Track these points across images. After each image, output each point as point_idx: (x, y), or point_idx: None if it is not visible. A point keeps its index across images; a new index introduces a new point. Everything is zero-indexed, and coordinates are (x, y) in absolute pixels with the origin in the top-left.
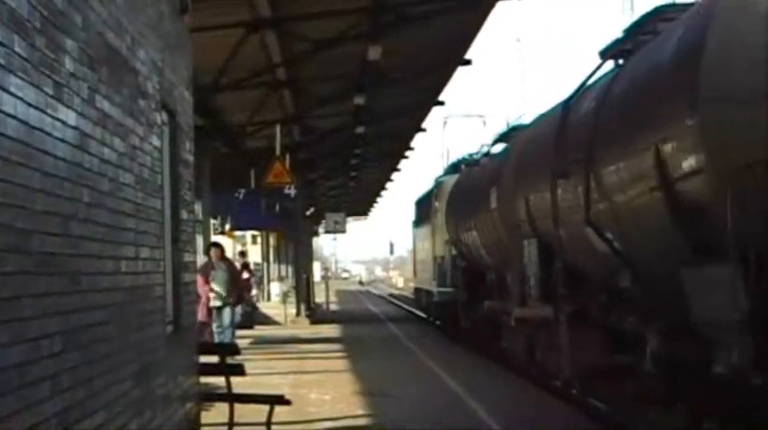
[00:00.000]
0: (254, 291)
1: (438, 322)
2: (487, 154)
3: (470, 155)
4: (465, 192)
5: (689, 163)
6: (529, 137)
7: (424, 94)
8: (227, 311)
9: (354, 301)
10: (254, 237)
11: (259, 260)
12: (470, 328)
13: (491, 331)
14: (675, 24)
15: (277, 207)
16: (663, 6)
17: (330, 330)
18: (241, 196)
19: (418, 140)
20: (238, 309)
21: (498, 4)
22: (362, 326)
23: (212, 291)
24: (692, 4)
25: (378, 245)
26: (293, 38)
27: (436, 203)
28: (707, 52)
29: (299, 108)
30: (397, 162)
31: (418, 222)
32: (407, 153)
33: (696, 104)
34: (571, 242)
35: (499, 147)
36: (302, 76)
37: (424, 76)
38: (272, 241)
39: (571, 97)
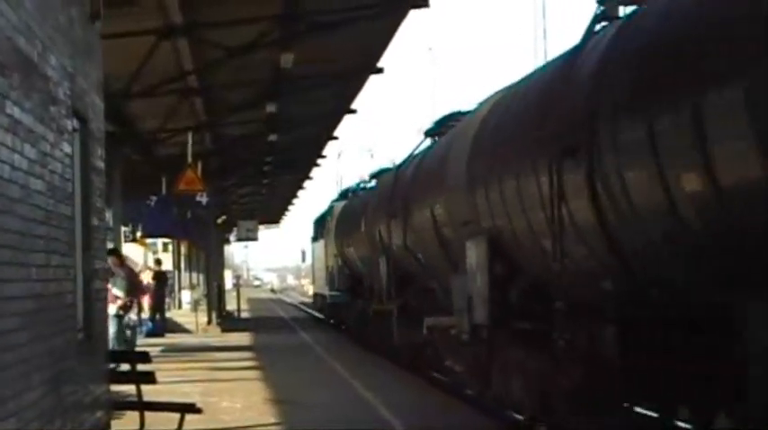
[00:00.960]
0: (167, 300)
1: (332, 321)
2: (365, 188)
3: (357, 184)
4: (348, 216)
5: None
6: (382, 182)
7: (336, 101)
8: (124, 321)
9: (266, 309)
10: (165, 244)
11: (170, 268)
12: (353, 323)
13: (365, 325)
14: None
15: (189, 214)
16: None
17: (241, 338)
18: (153, 203)
19: (331, 149)
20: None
21: (411, 13)
22: (274, 333)
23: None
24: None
25: (290, 252)
26: (205, 45)
27: (329, 223)
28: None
29: (211, 115)
30: (309, 170)
31: (316, 238)
32: (319, 161)
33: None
34: (401, 258)
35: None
36: (214, 84)
37: (336, 84)
38: (183, 249)
39: (401, 164)
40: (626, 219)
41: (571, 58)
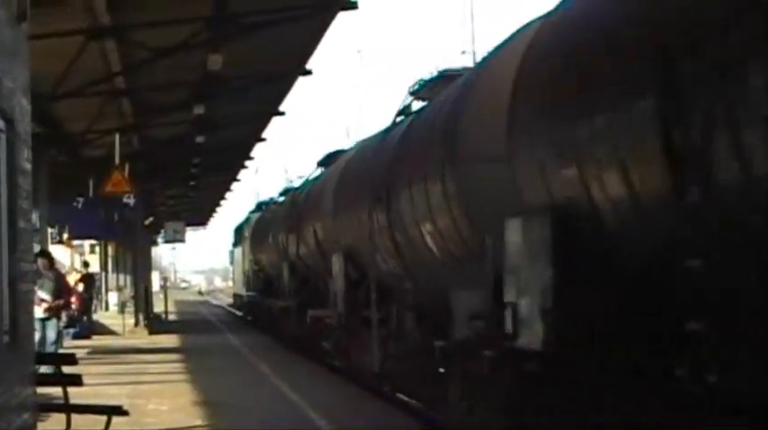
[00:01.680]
0: (94, 302)
1: (249, 317)
2: (275, 202)
3: (270, 198)
4: (261, 226)
5: (321, 237)
6: (286, 200)
7: (264, 103)
8: (51, 324)
9: (193, 311)
10: (92, 246)
11: (97, 269)
12: (265, 318)
13: (276, 320)
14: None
15: (116, 216)
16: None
17: (169, 340)
18: (80, 205)
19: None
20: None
21: (340, 15)
22: (201, 335)
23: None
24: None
25: (217, 254)
26: (133, 46)
27: (246, 232)
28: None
29: (138, 117)
30: (237, 172)
31: (236, 244)
32: (247, 163)
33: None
34: (297, 265)
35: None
36: (142, 85)
37: (264, 86)
38: (110, 250)
39: (298, 188)
40: (410, 246)
41: (385, 136)
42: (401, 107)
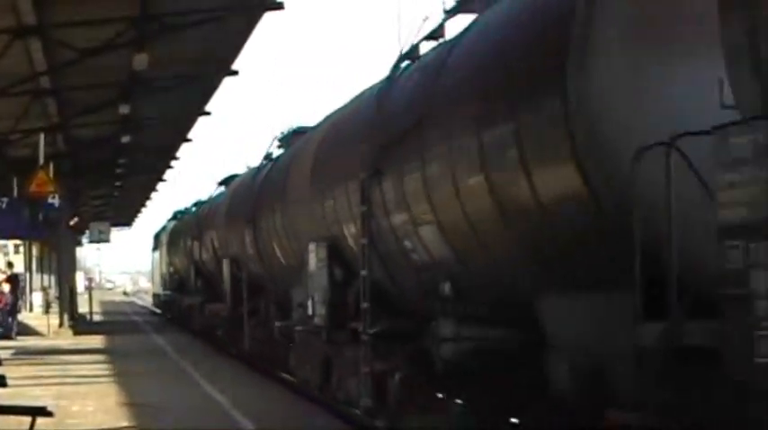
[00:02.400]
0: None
1: (168, 315)
2: (188, 213)
3: (185, 208)
4: (175, 234)
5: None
6: (196, 212)
7: (190, 104)
8: None
9: (119, 312)
10: (16, 246)
11: (22, 270)
12: (177, 313)
13: (187, 315)
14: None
15: (41, 216)
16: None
17: (94, 341)
18: (4, 205)
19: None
20: None
21: (266, 16)
22: (126, 336)
23: None
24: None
25: (143, 255)
26: (58, 45)
27: (163, 238)
28: None
29: (63, 117)
30: (163, 172)
31: (155, 248)
32: (173, 163)
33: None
34: (203, 268)
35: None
36: (67, 85)
37: (190, 86)
38: (35, 251)
39: (204, 202)
40: (268, 256)
41: (256, 174)
42: (266, 153)
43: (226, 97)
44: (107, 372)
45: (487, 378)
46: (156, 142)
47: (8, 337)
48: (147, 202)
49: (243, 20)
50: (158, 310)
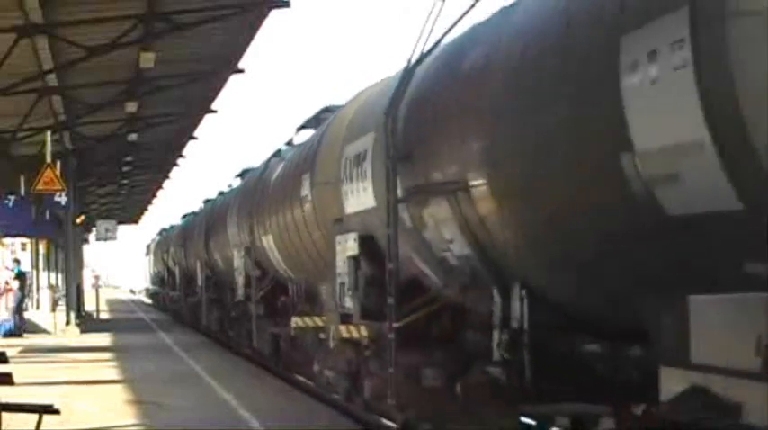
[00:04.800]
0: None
1: (157, 305)
2: (173, 226)
3: (171, 225)
4: (161, 244)
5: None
6: (180, 225)
7: (196, 102)
8: None
9: (125, 310)
10: (23, 244)
11: (28, 268)
12: (161, 302)
13: (172, 303)
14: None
15: (48, 214)
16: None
17: (101, 339)
18: (11, 203)
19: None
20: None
21: (273, 14)
22: (133, 334)
23: None
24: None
25: None
26: (65, 43)
27: (152, 247)
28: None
29: (70, 115)
30: (169, 170)
31: (146, 254)
32: (179, 161)
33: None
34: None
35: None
36: (74, 83)
37: (196, 84)
38: (42, 249)
39: (189, 213)
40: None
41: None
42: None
43: (232, 95)
44: (114, 370)
45: None
46: (162, 140)
47: (18, 335)
48: (154, 200)
49: (249, 18)
50: (150, 301)
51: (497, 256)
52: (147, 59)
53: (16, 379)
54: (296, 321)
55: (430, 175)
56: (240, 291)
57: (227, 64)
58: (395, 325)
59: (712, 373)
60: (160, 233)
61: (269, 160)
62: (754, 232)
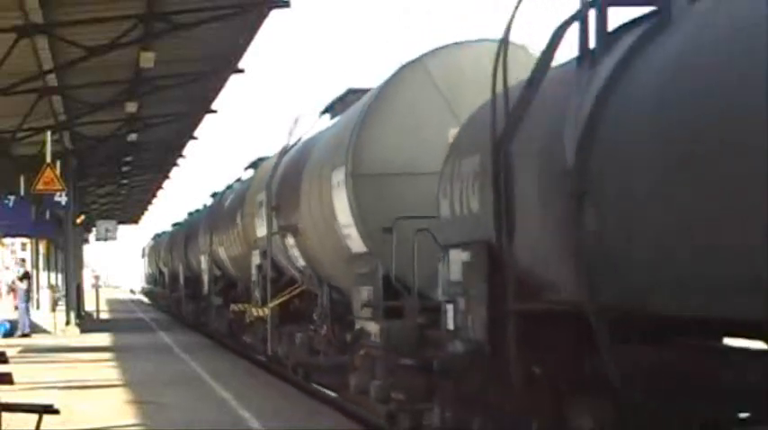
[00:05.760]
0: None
1: (150, 301)
2: (165, 232)
3: (162, 231)
4: (155, 247)
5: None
6: (170, 232)
7: (196, 102)
8: None
9: (125, 310)
10: (23, 244)
11: (29, 268)
12: (154, 299)
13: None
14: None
15: (48, 214)
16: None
17: (101, 339)
18: (11, 203)
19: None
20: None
21: (273, 14)
22: (133, 334)
23: None
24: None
25: None
26: (65, 43)
27: (147, 250)
28: None
29: (70, 115)
30: (169, 170)
31: (142, 256)
32: (179, 161)
33: None
34: (171, 271)
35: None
36: (74, 83)
37: (196, 85)
38: (42, 249)
39: (177, 223)
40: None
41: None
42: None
43: (232, 95)
44: (114, 370)
45: None
46: (162, 140)
47: (27, 335)
48: (154, 200)
49: (249, 18)
50: (146, 299)
51: (315, 266)
52: (147, 59)
53: (16, 379)
54: (233, 307)
55: (288, 220)
56: (206, 287)
57: (227, 64)
58: (270, 305)
59: None
60: (154, 238)
61: (224, 191)
62: None
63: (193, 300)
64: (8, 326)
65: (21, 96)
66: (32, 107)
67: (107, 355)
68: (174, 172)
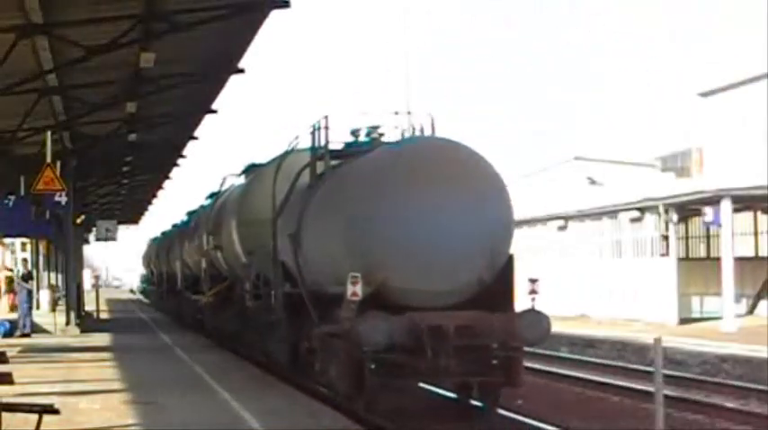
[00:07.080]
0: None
1: (146, 298)
2: (162, 235)
3: (158, 235)
4: (151, 250)
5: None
6: (164, 236)
7: (197, 102)
8: None
9: (125, 310)
10: (23, 244)
11: (29, 267)
12: (150, 296)
13: (159, 298)
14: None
15: (47, 214)
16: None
17: (101, 339)
18: (11, 203)
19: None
20: None
21: (273, 14)
22: (133, 334)
23: None
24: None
25: None
26: (65, 43)
27: (143, 253)
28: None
29: (70, 115)
30: (169, 170)
31: (140, 258)
32: (180, 161)
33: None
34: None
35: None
36: (74, 83)
37: (197, 85)
38: (42, 249)
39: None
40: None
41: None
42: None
43: (232, 95)
44: (114, 370)
45: None
46: (162, 140)
47: (27, 335)
48: (154, 200)
49: (249, 18)
50: (144, 298)
51: (230, 268)
52: (147, 59)
53: (16, 379)
54: (194, 297)
55: (217, 241)
56: (180, 284)
57: (227, 64)
58: (208, 294)
59: None
60: (148, 244)
61: (194, 211)
62: None
63: (172, 294)
64: (8, 326)
65: (21, 96)
66: (32, 107)
67: (107, 355)
68: (174, 172)
